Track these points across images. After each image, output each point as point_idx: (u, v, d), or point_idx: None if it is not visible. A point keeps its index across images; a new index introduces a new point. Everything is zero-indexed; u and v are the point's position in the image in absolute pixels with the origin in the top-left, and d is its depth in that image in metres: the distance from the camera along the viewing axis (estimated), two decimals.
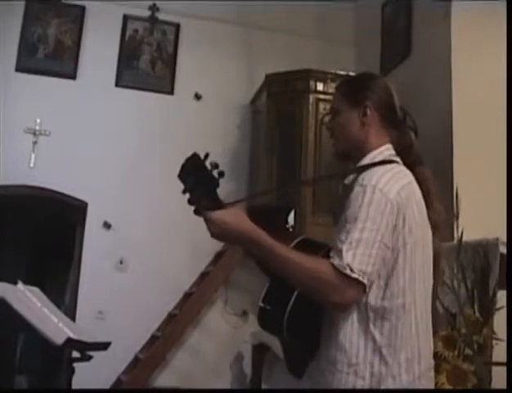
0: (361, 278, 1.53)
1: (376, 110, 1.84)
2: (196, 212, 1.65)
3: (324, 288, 1.56)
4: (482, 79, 4.35)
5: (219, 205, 1.63)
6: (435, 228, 1.78)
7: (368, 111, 1.83)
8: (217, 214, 1.61)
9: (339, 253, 1.55)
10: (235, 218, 1.62)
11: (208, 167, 1.63)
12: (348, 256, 1.54)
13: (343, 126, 1.86)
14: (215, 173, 1.63)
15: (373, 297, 1.62)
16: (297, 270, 1.58)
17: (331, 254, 1.58)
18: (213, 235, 1.64)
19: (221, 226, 1.60)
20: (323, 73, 5.14)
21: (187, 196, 1.65)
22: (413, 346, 1.64)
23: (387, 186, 1.62)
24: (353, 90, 1.89)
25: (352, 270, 1.53)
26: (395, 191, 1.62)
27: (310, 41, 6.08)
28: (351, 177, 1.79)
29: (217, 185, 1.63)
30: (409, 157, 1.82)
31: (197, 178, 1.62)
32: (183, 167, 1.65)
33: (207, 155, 1.65)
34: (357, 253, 1.54)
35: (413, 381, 1.63)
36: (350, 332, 1.64)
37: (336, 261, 1.54)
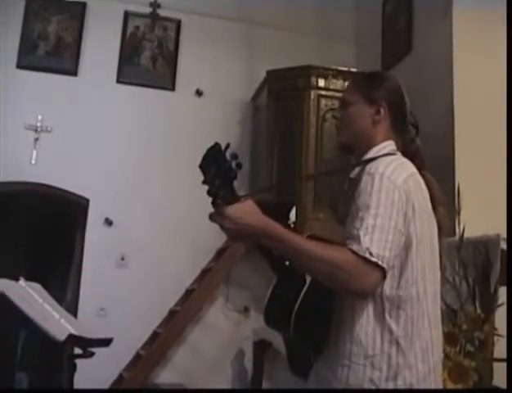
0: (380, 262, 1.53)
1: (388, 112, 1.85)
2: (214, 204, 1.63)
3: (344, 274, 1.54)
4: (483, 76, 4.35)
5: (235, 197, 1.62)
6: (439, 230, 1.78)
7: (382, 110, 1.84)
8: (233, 209, 1.60)
9: (357, 239, 1.55)
10: (250, 213, 1.61)
11: (228, 158, 1.63)
12: (365, 241, 1.54)
13: (354, 119, 1.86)
14: (234, 164, 1.62)
15: (388, 287, 1.62)
16: (315, 259, 1.56)
17: (348, 241, 1.57)
18: (228, 230, 1.62)
19: (236, 222, 1.59)
20: (324, 69, 5.12)
21: (206, 187, 1.63)
22: (426, 336, 1.65)
23: (394, 174, 1.63)
24: (371, 86, 1.88)
25: (371, 254, 1.52)
26: (402, 179, 1.64)
27: (311, 37, 6.07)
28: (356, 170, 1.80)
29: (235, 177, 1.63)
30: (413, 162, 1.82)
31: (216, 169, 1.61)
32: (204, 157, 1.64)
33: (228, 146, 1.64)
34: (374, 238, 1.54)
35: (429, 372, 1.64)
36: (366, 323, 1.64)
37: (355, 246, 1.54)
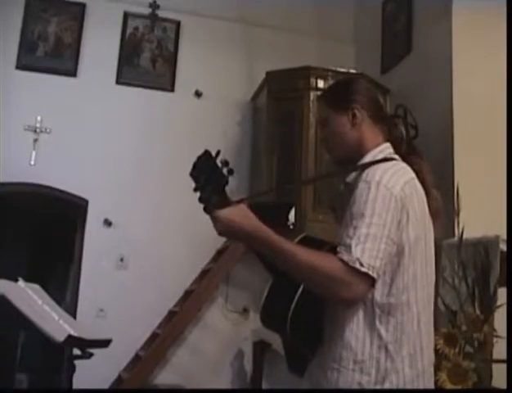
0: (370, 272, 1.53)
1: (364, 110, 1.86)
2: (205, 210, 1.64)
3: (333, 284, 1.55)
4: (482, 77, 4.35)
5: (227, 203, 1.63)
6: (435, 215, 1.78)
7: (357, 112, 1.85)
8: (224, 213, 1.60)
9: (348, 248, 1.55)
10: (242, 216, 1.61)
11: (219, 165, 1.63)
12: (357, 251, 1.54)
13: (337, 133, 1.87)
14: (225, 170, 1.63)
15: (379, 294, 1.63)
16: (305, 267, 1.57)
17: (339, 249, 1.58)
18: (220, 233, 1.63)
19: (228, 225, 1.60)
20: (323, 70, 5.13)
21: (198, 193, 1.64)
22: (415, 342, 1.65)
23: (391, 181, 1.63)
24: (337, 96, 1.90)
25: (361, 264, 1.53)
26: (399, 187, 1.63)
27: (310, 38, 6.08)
28: (353, 174, 1.80)
29: (227, 183, 1.63)
30: (401, 148, 1.84)
31: (208, 176, 1.61)
32: (195, 165, 1.64)
33: (218, 153, 1.64)
34: (366, 248, 1.54)
35: (417, 376, 1.64)
36: (356, 329, 1.64)
37: (345, 256, 1.54)
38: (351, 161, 1.86)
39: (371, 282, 1.56)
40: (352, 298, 1.58)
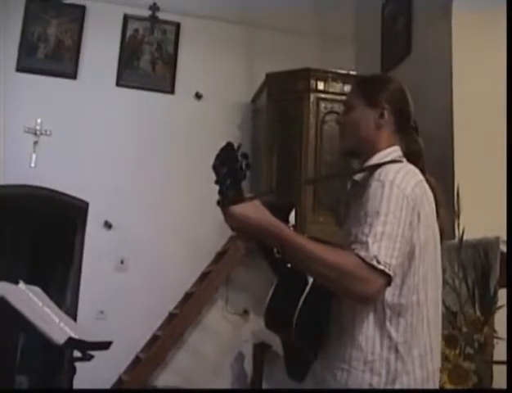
0: (387, 270, 1.53)
1: (392, 114, 1.84)
2: (219, 204, 1.63)
3: (349, 279, 1.54)
4: (482, 78, 4.34)
5: (241, 199, 1.62)
6: (441, 234, 1.78)
7: (385, 113, 1.83)
8: (239, 209, 1.59)
9: (365, 245, 1.54)
10: (256, 212, 1.60)
11: (239, 158, 1.63)
12: (374, 248, 1.53)
13: (357, 123, 1.85)
14: (244, 164, 1.62)
15: (390, 294, 1.62)
16: (321, 262, 1.56)
17: (354, 246, 1.57)
18: (233, 229, 1.64)
19: (243, 221, 1.60)
20: (323, 72, 5.13)
21: (214, 187, 1.63)
22: (425, 343, 1.65)
23: (403, 182, 1.63)
24: (373, 89, 1.88)
25: (378, 262, 1.52)
26: (410, 188, 1.64)
27: (310, 40, 6.08)
28: (361, 174, 1.80)
29: (245, 177, 1.63)
30: (417, 165, 1.80)
31: (228, 169, 1.61)
32: (217, 157, 1.64)
33: (240, 146, 1.64)
34: (382, 246, 1.54)
35: (427, 377, 1.65)
36: (366, 329, 1.64)
37: (363, 253, 1.53)
38: (357, 156, 1.87)
39: (388, 279, 1.55)
40: (367, 295, 1.56)
